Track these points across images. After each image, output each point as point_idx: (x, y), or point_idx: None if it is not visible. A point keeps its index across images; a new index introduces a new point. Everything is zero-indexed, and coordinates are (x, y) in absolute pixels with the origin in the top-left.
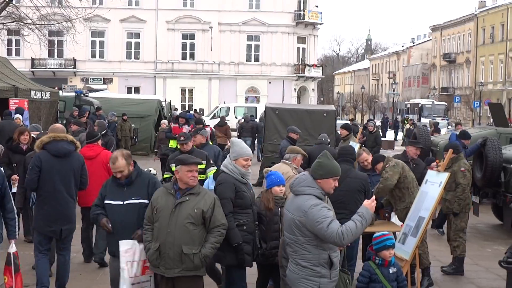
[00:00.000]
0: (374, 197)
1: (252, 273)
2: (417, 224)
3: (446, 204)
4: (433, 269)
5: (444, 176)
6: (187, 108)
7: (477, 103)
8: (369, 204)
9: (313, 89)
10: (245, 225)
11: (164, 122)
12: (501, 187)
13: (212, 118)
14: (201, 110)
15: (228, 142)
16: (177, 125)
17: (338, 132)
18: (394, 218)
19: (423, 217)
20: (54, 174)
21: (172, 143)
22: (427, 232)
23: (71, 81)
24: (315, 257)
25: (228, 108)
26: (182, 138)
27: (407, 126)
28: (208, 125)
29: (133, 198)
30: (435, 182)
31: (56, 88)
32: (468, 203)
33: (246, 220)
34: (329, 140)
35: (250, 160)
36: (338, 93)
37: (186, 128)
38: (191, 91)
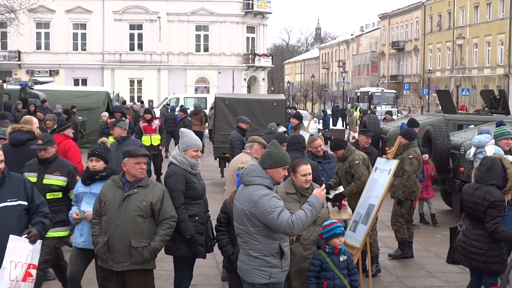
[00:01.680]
0: (324, 185)
1: (205, 264)
2: (367, 212)
3: (392, 190)
4: (383, 256)
5: (393, 164)
6: (136, 100)
7: (425, 91)
8: (319, 192)
9: (263, 79)
10: (197, 215)
11: (105, 115)
12: (450, 173)
13: (160, 107)
14: (150, 101)
15: (204, 129)
16: (113, 120)
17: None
18: (347, 208)
19: (373, 205)
20: (10, 163)
21: (112, 139)
22: (378, 220)
23: (16, 74)
24: (265, 247)
25: (178, 99)
26: (39, 142)
27: (357, 113)
28: (157, 118)
29: (8, 200)
30: (384, 169)
31: (1, 81)
32: (413, 191)
33: (198, 210)
34: (284, 129)
35: (200, 151)
36: (288, 82)
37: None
38: (139, 82)
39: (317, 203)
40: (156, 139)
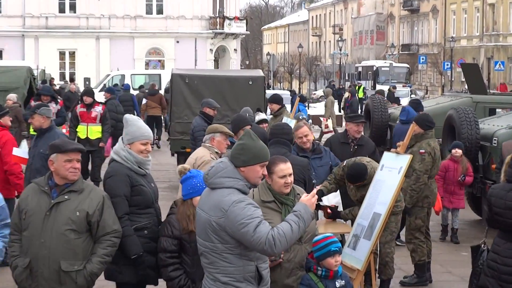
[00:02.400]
0: (314, 190)
1: None
2: (371, 223)
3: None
4: (393, 282)
5: (405, 160)
6: (67, 78)
7: (447, 65)
8: (308, 200)
9: (235, 50)
10: (146, 229)
11: (11, 98)
12: (479, 172)
13: (102, 90)
14: (87, 80)
15: (164, 114)
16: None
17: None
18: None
19: (378, 214)
20: None
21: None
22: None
23: None
24: (238, 269)
25: (123, 76)
26: None
27: (346, 95)
28: (101, 103)
29: None
30: (393, 167)
31: None
32: (426, 195)
33: (147, 222)
34: (265, 116)
35: (151, 145)
36: (268, 54)
37: (53, 107)
38: (72, 54)
39: (305, 214)
40: (94, 131)
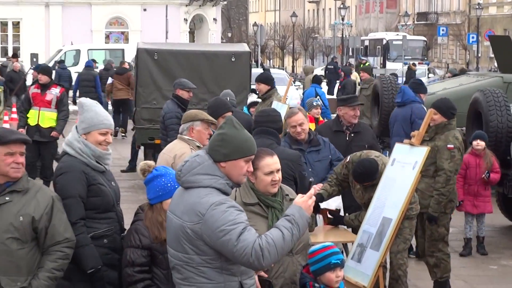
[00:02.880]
0: (312, 190)
1: None
2: (380, 230)
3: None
4: None
5: (422, 153)
6: (10, 54)
7: (473, 37)
8: (304, 202)
9: (214, 19)
10: (106, 237)
11: None
12: (511, 167)
13: (54, 68)
14: (34, 56)
15: (130, 96)
16: None
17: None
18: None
19: (389, 219)
20: None
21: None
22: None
23: None
24: (218, 287)
25: (78, 52)
26: None
27: (353, 76)
28: (59, 85)
29: None
30: (407, 162)
31: None
32: (452, 199)
33: (106, 229)
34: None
35: (112, 134)
36: (254, 24)
37: None
38: (16, 25)
39: (300, 219)
40: (47, 118)
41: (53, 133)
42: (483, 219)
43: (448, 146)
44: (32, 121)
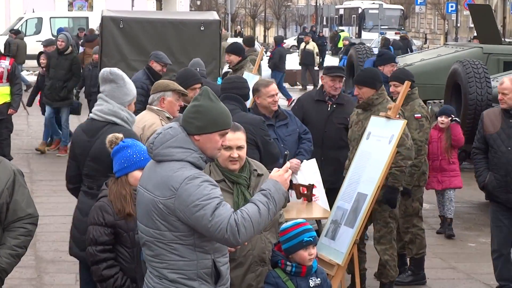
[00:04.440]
0: (288, 164)
1: None
2: (354, 206)
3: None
4: (369, 274)
5: (398, 125)
6: None
7: (451, 6)
8: (280, 176)
9: None
10: None
11: None
12: None
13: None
14: None
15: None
16: None
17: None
18: (322, 198)
19: (364, 194)
20: None
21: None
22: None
23: None
24: (191, 264)
25: (40, 20)
26: None
27: (302, 46)
28: (6, 55)
29: None
30: (382, 135)
31: None
32: (423, 171)
33: None
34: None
35: None
36: None
37: None
38: None
39: (276, 193)
40: (1, 94)
41: (10, 111)
42: (450, 196)
43: (416, 115)
44: None
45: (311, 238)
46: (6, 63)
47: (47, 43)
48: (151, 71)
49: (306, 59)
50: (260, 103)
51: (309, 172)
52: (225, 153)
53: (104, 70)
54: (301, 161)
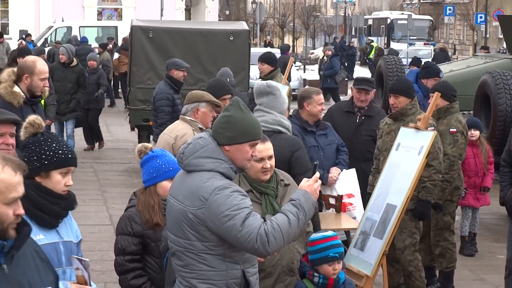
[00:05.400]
0: (317, 174)
1: None
2: (384, 217)
3: (420, 185)
4: None
5: (428, 137)
6: None
7: (481, 17)
8: (310, 186)
9: None
10: None
11: None
12: None
13: (45, 45)
14: (24, 32)
15: None
16: None
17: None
18: (359, 208)
19: (393, 205)
20: None
21: None
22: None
23: None
24: (220, 275)
25: (70, 29)
26: None
27: (321, 56)
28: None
29: None
30: (412, 147)
31: None
32: (457, 186)
33: None
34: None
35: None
36: (253, 2)
37: None
38: (4, 0)
39: (306, 203)
40: None
41: (47, 122)
42: (478, 213)
43: (451, 130)
44: None
45: (336, 255)
46: None
47: (36, 54)
48: (172, 80)
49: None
50: (310, 110)
51: (348, 181)
52: (257, 165)
53: (261, 84)
54: (341, 171)
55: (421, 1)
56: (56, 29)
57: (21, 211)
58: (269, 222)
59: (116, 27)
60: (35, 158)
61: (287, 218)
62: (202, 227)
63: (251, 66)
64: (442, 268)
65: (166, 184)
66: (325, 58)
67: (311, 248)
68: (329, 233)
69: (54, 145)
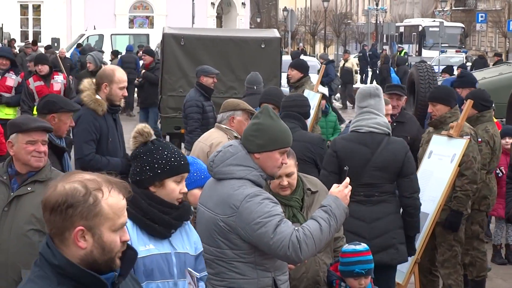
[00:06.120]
0: (347, 179)
1: None
2: None
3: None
4: None
5: (460, 145)
6: (30, 38)
7: None
8: (340, 192)
9: (243, 4)
10: None
11: None
12: None
13: (82, 54)
14: (56, 40)
15: None
16: None
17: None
18: None
19: (426, 213)
20: None
21: (8, 111)
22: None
23: None
24: (251, 283)
25: (101, 36)
26: None
27: (341, 63)
28: (59, 71)
29: None
30: (444, 154)
31: None
32: (484, 196)
33: None
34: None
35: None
36: (285, 9)
37: (12, 79)
38: (37, 8)
39: (337, 209)
40: None
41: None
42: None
43: (478, 140)
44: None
45: (362, 271)
46: (61, 78)
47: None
48: (202, 87)
49: (345, 77)
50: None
51: None
52: (275, 181)
53: (371, 86)
54: None
55: (453, 8)
56: (87, 37)
57: (127, 237)
58: (301, 229)
59: (147, 35)
60: (147, 167)
61: (319, 224)
62: (233, 235)
63: (282, 73)
64: (473, 277)
65: (196, 192)
66: (346, 65)
67: (341, 259)
68: (361, 247)
69: (166, 152)
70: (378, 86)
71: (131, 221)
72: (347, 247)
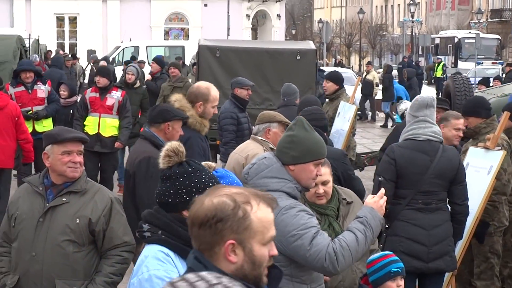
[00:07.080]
0: (382, 190)
1: None
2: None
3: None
4: None
5: (497, 157)
6: (67, 50)
7: None
8: (376, 202)
9: (278, 16)
10: None
11: None
12: None
13: (118, 65)
14: (92, 52)
15: None
16: (22, 87)
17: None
18: None
19: None
20: None
21: (45, 123)
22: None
23: None
24: None
25: (137, 48)
26: None
27: (363, 75)
28: (119, 87)
29: None
30: (481, 166)
31: None
32: None
33: None
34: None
35: None
36: (320, 21)
37: (41, 90)
38: (73, 20)
39: (373, 220)
40: (108, 126)
41: (117, 144)
42: None
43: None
44: (91, 130)
45: (398, 269)
46: (118, 94)
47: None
48: (237, 98)
49: (365, 89)
50: (444, 132)
51: None
52: (310, 190)
53: (428, 97)
54: None
55: (489, 20)
56: (123, 49)
57: (275, 251)
58: (337, 241)
59: (183, 47)
60: (184, 190)
61: (355, 236)
62: None
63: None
64: None
65: None
66: (367, 77)
67: (370, 269)
68: (386, 251)
69: (203, 176)
70: (434, 97)
71: (173, 252)
72: (373, 256)
